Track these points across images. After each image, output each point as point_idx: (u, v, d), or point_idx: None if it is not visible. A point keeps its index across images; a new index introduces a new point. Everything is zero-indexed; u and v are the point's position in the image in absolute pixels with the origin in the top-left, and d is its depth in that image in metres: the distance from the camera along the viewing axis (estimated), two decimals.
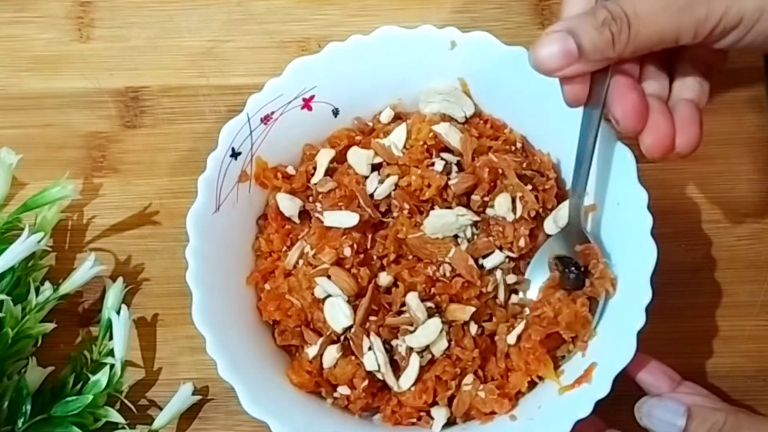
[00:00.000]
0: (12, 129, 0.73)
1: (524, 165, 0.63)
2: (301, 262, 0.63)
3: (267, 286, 0.63)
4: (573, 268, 0.61)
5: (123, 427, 0.63)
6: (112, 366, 0.63)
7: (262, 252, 0.65)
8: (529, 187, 0.63)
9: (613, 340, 0.59)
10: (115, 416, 0.63)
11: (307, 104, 0.65)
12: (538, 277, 0.63)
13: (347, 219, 0.61)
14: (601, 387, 0.57)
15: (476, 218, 0.62)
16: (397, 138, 0.64)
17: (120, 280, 0.67)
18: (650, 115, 0.56)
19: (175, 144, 0.72)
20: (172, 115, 0.73)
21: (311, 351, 0.61)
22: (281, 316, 0.62)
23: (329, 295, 0.61)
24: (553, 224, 0.63)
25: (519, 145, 0.65)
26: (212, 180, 0.62)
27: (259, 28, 0.75)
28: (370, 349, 0.60)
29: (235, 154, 0.63)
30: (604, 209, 0.63)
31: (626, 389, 0.62)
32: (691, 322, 0.66)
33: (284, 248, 0.64)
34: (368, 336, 0.60)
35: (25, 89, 0.74)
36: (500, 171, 0.63)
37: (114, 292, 0.66)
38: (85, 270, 0.65)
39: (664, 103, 0.57)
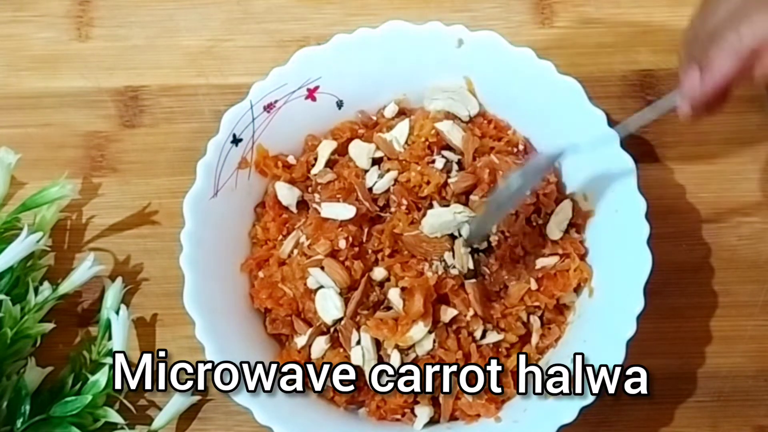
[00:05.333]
0: (11, 128, 0.73)
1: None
2: (295, 251, 0.63)
3: (261, 274, 0.64)
4: None
5: (122, 428, 0.63)
6: (111, 366, 0.63)
7: (258, 239, 0.65)
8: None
9: (602, 347, 0.58)
10: (114, 416, 0.62)
11: (311, 95, 0.65)
12: None
13: (344, 211, 0.61)
14: (587, 394, 0.57)
15: (473, 214, 0.62)
16: (399, 133, 0.64)
17: (119, 280, 0.67)
18: None
19: (175, 143, 0.72)
20: (171, 114, 0.73)
21: (300, 341, 0.62)
22: (273, 304, 0.63)
23: (321, 286, 0.61)
24: (555, 228, 0.63)
25: (521, 146, 0.65)
26: (211, 165, 0.62)
27: (258, 27, 0.75)
28: (358, 343, 0.60)
29: (236, 141, 0.63)
30: (602, 216, 0.63)
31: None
32: (692, 322, 0.66)
33: (280, 237, 0.64)
34: (358, 330, 0.60)
35: (23, 88, 0.74)
36: (500, 172, 0.62)
37: (113, 292, 0.66)
38: (84, 270, 0.65)
39: None
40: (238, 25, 0.75)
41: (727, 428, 0.64)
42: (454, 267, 0.61)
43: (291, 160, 0.66)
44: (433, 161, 0.63)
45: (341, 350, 0.61)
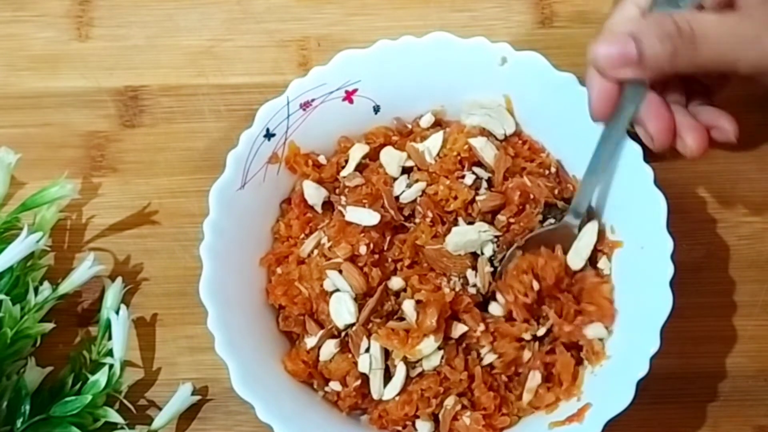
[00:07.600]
0: (11, 128, 0.73)
1: (556, 192, 0.63)
2: (316, 252, 0.63)
3: (279, 270, 0.64)
4: None
5: (122, 428, 0.63)
6: (111, 366, 0.63)
7: (280, 235, 0.65)
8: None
9: (612, 384, 0.58)
10: (114, 416, 0.62)
11: (349, 97, 0.65)
12: None
13: (369, 217, 0.61)
14: (591, 429, 0.56)
15: (497, 233, 0.62)
16: (432, 144, 0.64)
17: (119, 279, 0.67)
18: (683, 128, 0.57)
19: (174, 143, 0.72)
20: (171, 114, 0.73)
21: (310, 341, 0.61)
22: (287, 302, 0.62)
23: (337, 290, 0.61)
24: (576, 257, 0.62)
25: (553, 169, 0.65)
26: (242, 157, 0.62)
27: (258, 27, 0.75)
28: (367, 350, 0.60)
29: (269, 135, 0.63)
30: (627, 250, 0.62)
31: None
32: (692, 322, 0.66)
33: (302, 235, 0.64)
34: (368, 337, 0.60)
35: (23, 88, 0.74)
36: (531, 196, 0.62)
37: (113, 292, 0.66)
38: (84, 270, 0.65)
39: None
40: (238, 25, 0.75)
41: (727, 428, 0.64)
42: (474, 285, 0.61)
43: (322, 159, 0.66)
44: (463, 177, 0.63)
45: (349, 356, 0.61)
